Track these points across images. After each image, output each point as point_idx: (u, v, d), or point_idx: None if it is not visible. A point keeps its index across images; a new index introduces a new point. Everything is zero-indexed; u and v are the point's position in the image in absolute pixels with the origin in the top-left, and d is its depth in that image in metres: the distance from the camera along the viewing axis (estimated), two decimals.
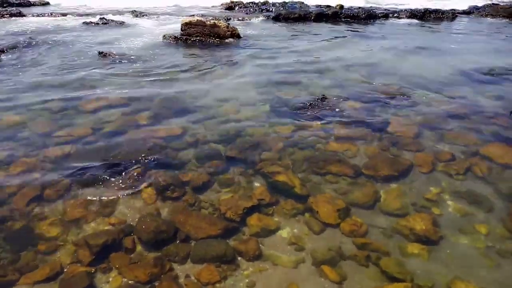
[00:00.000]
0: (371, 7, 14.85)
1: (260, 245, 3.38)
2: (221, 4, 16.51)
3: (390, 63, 8.52)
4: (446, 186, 4.14)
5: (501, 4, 16.43)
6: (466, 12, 15.61)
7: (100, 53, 8.53)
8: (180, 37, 10.22)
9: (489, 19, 14.60)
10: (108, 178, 4.07)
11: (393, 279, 3.07)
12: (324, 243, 3.42)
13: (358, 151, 4.75)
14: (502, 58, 9.00)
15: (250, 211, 3.74)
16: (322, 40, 10.77)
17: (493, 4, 16.50)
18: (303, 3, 15.94)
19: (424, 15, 14.62)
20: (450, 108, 5.97)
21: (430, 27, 13.20)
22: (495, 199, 3.94)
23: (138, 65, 8.00)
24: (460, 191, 4.05)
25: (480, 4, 16.72)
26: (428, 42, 10.72)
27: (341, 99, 6.26)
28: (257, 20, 13.53)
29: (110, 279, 2.99)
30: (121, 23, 12.44)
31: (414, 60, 8.85)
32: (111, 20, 12.69)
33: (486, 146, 4.80)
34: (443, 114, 5.76)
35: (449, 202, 3.91)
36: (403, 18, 14.51)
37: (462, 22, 14.29)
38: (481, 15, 15.06)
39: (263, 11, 14.62)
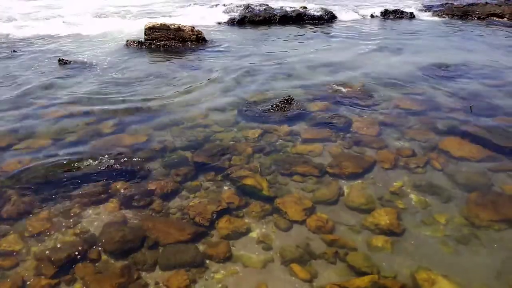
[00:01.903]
0: (332, 8, 15.17)
1: (231, 247, 3.40)
2: (189, 5, 16.39)
3: (352, 62, 8.76)
4: (407, 180, 4.31)
5: (455, 3, 17.25)
6: (424, 12, 16.27)
7: (60, 60, 8.26)
8: (144, 42, 10.07)
9: (444, 18, 15.29)
10: (71, 189, 3.96)
11: (360, 273, 3.16)
12: (293, 241, 3.47)
13: (323, 151, 4.86)
14: (458, 55, 9.45)
15: (219, 215, 3.75)
16: (287, 42, 10.92)
17: (447, 3, 17.29)
18: (267, 5, 16.11)
19: (384, 15, 15.11)
20: (410, 105, 6.21)
21: (390, 27, 13.67)
22: (453, 190, 4.14)
23: (100, 72, 7.81)
24: (421, 184, 4.23)
25: (436, 3, 17.47)
26: (388, 41, 11.10)
27: (306, 100, 6.38)
28: (222, 23, 13.53)
29: None
30: (83, 27, 12.08)
31: (376, 59, 9.14)
32: (70, 23, 12.30)
33: (443, 141, 5.03)
34: (404, 111, 5.99)
35: (411, 195, 4.08)
36: (365, 17, 14.94)
37: (420, 21, 14.88)
38: (438, 14, 15.75)
39: (229, 13, 14.66)
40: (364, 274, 3.15)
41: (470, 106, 6.06)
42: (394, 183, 4.23)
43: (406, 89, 6.96)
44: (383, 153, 4.79)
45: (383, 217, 3.71)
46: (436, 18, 15.47)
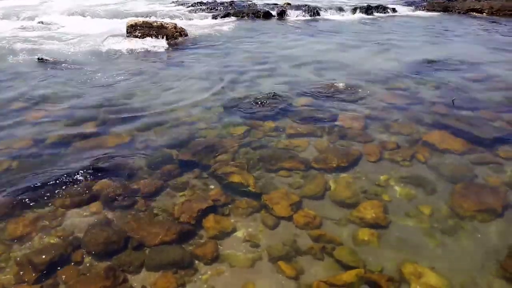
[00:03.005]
0: (316, 6, 15.22)
1: (219, 246, 3.36)
2: (171, 2, 16.22)
3: (336, 58, 8.79)
4: (393, 173, 4.34)
5: None
6: (406, 7, 16.45)
7: (39, 59, 8.06)
8: (126, 39, 9.90)
9: (426, 13, 15.49)
10: (52, 191, 3.85)
11: (347, 268, 3.16)
12: (280, 238, 3.45)
13: (309, 146, 4.86)
14: (440, 49, 9.58)
15: (205, 213, 3.70)
16: (270, 38, 10.90)
17: None
18: (251, 1, 16.04)
19: (367, 11, 15.23)
20: (394, 100, 6.26)
21: (373, 23, 13.78)
22: (438, 182, 4.19)
23: (81, 71, 7.65)
24: (406, 176, 4.26)
25: None
26: (371, 36, 11.19)
27: (291, 96, 6.37)
28: (206, 19, 13.42)
29: None
30: (62, 26, 11.83)
31: (359, 54, 9.20)
32: (51, 22, 12.02)
33: (427, 134, 5.09)
34: (388, 105, 6.03)
35: (396, 188, 4.11)
36: (348, 13, 15.02)
37: (402, 17, 15.05)
38: (419, 9, 15.94)
39: (211, 10, 14.54)
40: (350, 268, 3.15)
41: (453, 100, 6.14)
42: (380, 176, 4.25)
43: (390, 84, 7.01)
44: (369, 146, 4.81)
45: (368, 211, 3.72)
46: (418, 13, 15.67)
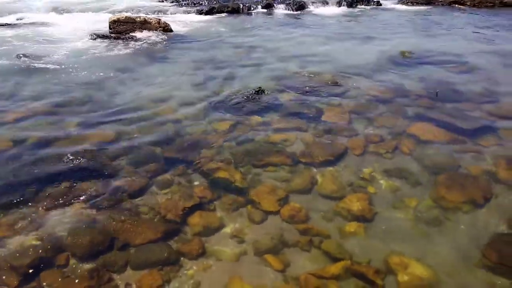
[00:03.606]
0: None
1: (204, 243, 3.34)
2: None
3: (321, 51, 8.80)
4: (377, 165, 4.37)
5: None
6: (390, 0, 16.53)
7: (19, 57, 7.85)
8: (108, 36, 9.73)
9: (409, 7, 15.60)
10: (34, 191, 3.78)
11: (334, 260, 3.18)
12: (266, 232, 3.45)
13: (295, 140, 4.86)
14: (423, 41, 9.67)
15: (191, 210, 3.68)
16: (255, 32, 10.85)
17: None
18: None
19: (351, 4, 15.26)
20: (378, 93, 6.30)
21: (357, 15, 13.83)
22: (421, 173, 4.24)
23: (63, 67, 7.48)
24: (390, 169, 4.30)
25: None
26: (356, 29, 11.23)
27: (277, 91, 6.36)
28: (190, 14, 13.27)
29: None
30: (43, 23, 11.55)
31: (344, 47, 9.22)
32: (30, 19, 11.72)
33: (410, 126, 5.13)
34: (372, 99, 6.07)
35: (381, 181, 4.14)
36: (333, 6, 15.05)
37: (386, 9, 15.13)
38: (403, 2, 16.04)
39: (196, 5, 14.38)
40: (338, 260, 3.17)
41: (436, 92, 6.21)
42: (365, 169, 4.29)
43: (374, 77, 7.05)
44: (354, 140, 4.84)
45: (354, 203, 3.75)
46: (401, 6, 15.77)
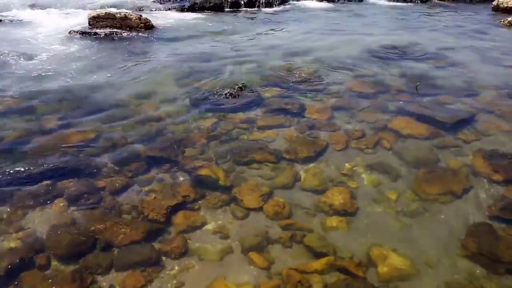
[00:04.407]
0: None
1: (188, 240, 3.33)
2: None
3: (304, 46, 8.83)
4: (359, 160, 4.43)
5: None
6: None
7: None
8: (88, 32, 9.54)
9: (390, 3, 15.77)
10: (11, 193, 3.69)
11: (317, 255, 3.21)
12: (250, 230, 3.46)
13: (278, 137, 4.87)
14: (404, 36, 9.79)
15: (174, 209, 3.66)
16: (238, 28, 10.80)
17: None
18: None
19: None
20: (360, 88, 6.36)
21: (339, 10, 13.91)
22: (402, 168, 4.31)
23: (41, 63, 7.30)
24: (371, 163, 4.36)
25: None
26: (340, 24, 11.30)
27: (260, 87, 6.35)
28: (172, 10, 13.11)
29: None
30: (19, 20, 11.24)
31: (328, 42, 9.26)
32: (8, 16, 11.39)
33: (392, 121, 5.21)
34: (354, 94, 6.12)
35: (363, 175, 4.20)
36: (315, 1, 15.09)
37: (367, 4, 15.27)
38: None
39: (178, 1, 14.22)
40: (321, 255, 3.20)
41: (416, 86, 6.31)
42: (346, 164, 4.33)
43: (356, 72, 7.12)
44: (335, 135, 4.88)
45: (336, 197, 3.79)
46: (383, 2, 15.93)
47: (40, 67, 7.19)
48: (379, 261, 3.11)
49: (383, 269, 3.05)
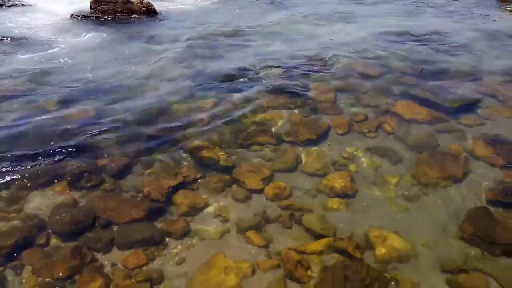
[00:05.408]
0: None
1: (189, 222, 3.36)
2: None
3: (308, 30, 8.71)
4: (360, 144, 4.41)
5: None
6: None
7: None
8: (90, 16, 9.45)
9: None
10: (14, 172, 3.72)
11: (317, 236, 3.24)
12: (250, 210, 3.49)
13: (281, 119, 4.86)
14: (406, 20, 9.61)
15: (175, 189, 3.68)
16: (241, 12, 10.65)
17: None
18: None
19: None
20: (364, 71, 6.29)
21: None
22: (403, 152, 4.30)
23: (43, 47, 7.26)
24: (373, 147, 4.35)
25: None
26: (341, 8, 11.10)
27: (263, 69, 6.30)
28: None
29: (24, 280, 2.78)
30: (22, 4, 11.13)
31: (330, 26, 9.13)
32: (8, 2, 11.26)
33: (394, 105, 5.17)
34: (358, 77, 6.07)
35: (363, 159, 4.19)
36: None
37: None
38: None
39: None
40: (320, 236, 3.23)
41: (421, 69, 6.24)
42: (348, 148, 4.33)
43: (360, 55, 7.03)
44: (338, 118, 4.86)
45: (337, 181, 3.80)
46: None
47: (40, 50, 7.15)
48: (378, 242, 3.13)
49: (381, 250, 3.07)
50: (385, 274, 2.87)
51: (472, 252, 3.07)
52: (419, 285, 2.82)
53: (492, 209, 3.46)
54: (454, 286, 2.82)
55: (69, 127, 4.49)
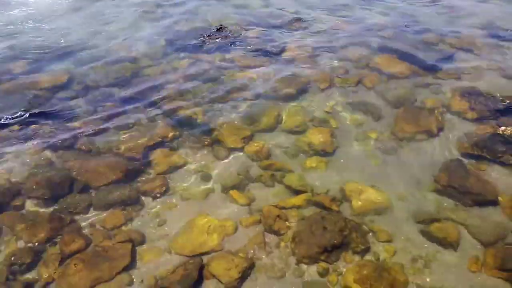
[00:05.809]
0: None
1: (168, 180, 3.34)
2: None
3: None
4: (340, 99, 4.39)
5: None
6: None
7: None
8: None
9: None
10: None
11: (296, 192, 3.28)
12: (231, 169, 3.48)
13: (259, 77, 4.75)
14: None
15: (152, 148, 3.62)
16: None
17: None
18: None
19: None
20: (343, 26, 6.15)
21: None
22: (383, 107, 4.29)
23: (11, 8, 6.76)
24: (353, 102, 4.33)
25: None
26: None
27: (239, 27, 6.08)
28: None
29: (3, 245, 2.75)
30: None
31: None
32: None
33: (374, 58, 5.11)
34: (336, 33, 5.93)
35: (344, 114, 4.18)
36: None
37: None
38: None
39: None
40: (298, 192, 3.27)
41: (405, 24, 6.15)
42: (327, 103, 4.30)
43: (337, 12, 6.83)
44: (317, 74, 4.78)
45: (316, 137, 3.80)
46: None
47: (8, 12, 6.65)
48: (354, 196, 3.20)
49: (357, 203, 3.15)
50: (363, 225, 2.96)
51: (445, 203, 3.18)
52: (395, 235, 2.92)
53: (465, 161, 3.56)
54: (427, 235, 2.94)
55: (39, 92, 4.29)
